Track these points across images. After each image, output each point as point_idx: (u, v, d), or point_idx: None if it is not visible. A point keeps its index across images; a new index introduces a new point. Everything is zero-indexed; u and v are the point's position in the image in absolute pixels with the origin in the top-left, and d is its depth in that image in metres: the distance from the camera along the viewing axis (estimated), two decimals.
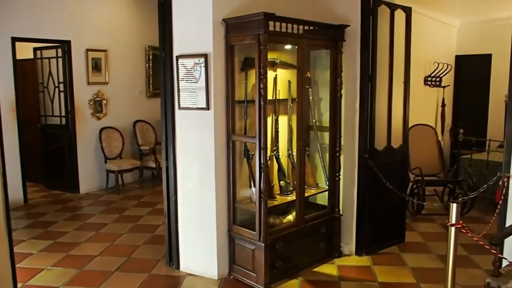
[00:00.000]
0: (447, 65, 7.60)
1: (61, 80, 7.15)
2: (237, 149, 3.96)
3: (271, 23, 3.59)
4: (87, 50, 7.16)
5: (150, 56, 8.19)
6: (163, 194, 4.30)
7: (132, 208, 6.40)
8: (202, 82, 3.83)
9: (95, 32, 7.28)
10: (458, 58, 8.42)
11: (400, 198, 4.70)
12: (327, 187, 4.42)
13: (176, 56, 3.97)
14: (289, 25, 3.78)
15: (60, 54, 7.06)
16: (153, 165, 7.58)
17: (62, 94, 7.19)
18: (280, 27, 3.72)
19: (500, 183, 3.46)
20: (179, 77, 3.98)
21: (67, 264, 4.41)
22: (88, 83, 7.24)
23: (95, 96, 7.35)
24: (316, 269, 4.26)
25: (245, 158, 4.00)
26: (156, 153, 7.41)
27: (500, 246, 3.43)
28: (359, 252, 4.58)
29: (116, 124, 7.62)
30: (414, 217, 5.86)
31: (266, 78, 3.55)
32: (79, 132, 7.18)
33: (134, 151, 7.99)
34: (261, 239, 3.72)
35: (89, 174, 7.32)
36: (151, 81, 8.28)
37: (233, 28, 3.76)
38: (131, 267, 4.37)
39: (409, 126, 5.27)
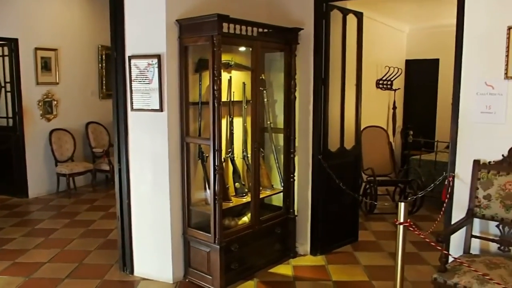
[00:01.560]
0: (398, 69, 7.85)
1: (8, 79, 6.84)
2: (191, 151, 3.93)
3: (225, 24, 3.59)
4: (36, 49, 6.89)
5: (103, 56, 7.99)
6: (115, 198, 4.20)
7: (84, 213, 6.21)
8: (155, 83, 3.78)
9: (44, 31, 7.02)
10: (408, 62, 8.71)
11: (353, 198, 4.81)
12: (282, 188, 4.47)
13: (129, 57, 3.89)
14: (243, 27, 3.80)
15: (6, 52, 6.76)
16: (106, 167, 7.38)
17: (9, 95, 6.89)
18: (234, 29, 3.73)
19: (446, 183, 3.61)
20: (132, 78, 3.90)
21: (13, 273, 4.22)
22: (37, 83, 6.97)
23: (45, 96, 7.09)
24: (271, 270, 4.28)
25: (200, 160, 3.97)
26: (110, 155, 7.22)
27: (446, 243, 3.57)
28: (314, 252, 4.65)
29: (67, 126, 7.38)
30: (367, 216, 6.01)
31: (220, 79, 3.54)
32: (27, 134, 6.90)
33: (86, 154, 7.77)
34: (216, 241, 3.71)
35: (38, 178, 7.04)
36: (104, 82, 8.07)
37: (187, 29, 3.73)
38: (82, 273, 4.24)
39: (362, 127, 5.41)
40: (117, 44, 3.96)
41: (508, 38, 3.24)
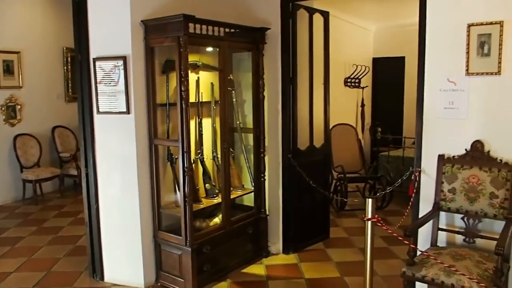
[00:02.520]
0: (365, 67, 7.98)
1: None
2: (160, 153, 3.89)
3: (191, 25, 3.56)
4: None
5: (68, 59, 7.80)
6: (83, 203, 4.11)
7: (52, 219, 6.06)
8: (121, 85, 3.72)
9: (5, 33, 6.80)
10: (375, 60, 8.86)
11: (324, 195, 4.86)
12: (252, 188, 4.47)
13: (93, 59, 3.82)
14: (210, 27, 3.78)
15: None
16: (74, 172, 7.22)
17: None
18: (201, 29, 3.70)
19: (412, 178, 3.68)
20: (97, 80, 3.83)
21: None
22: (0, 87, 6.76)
23: (8, 101, 6.87)
24: (244, 270, 4.28)
25: (169, 162, 3.93)
26: (78, 160, 7.06)
27: (414, 236, 3.65)
28: (286, 250, 4.67)
29: (32, 131, 7.18)
30: (338, 213, 6.08)
31: (187, 80, 3.51)
32: None
33: (53, 159, 7.57)
34: (188, 243, 3.67)
35: (3, 185, 6.82)
36: (70, 85, 7.89)
37: (153, 30, 3.69)
38: (51, 281, 4.13)
39: (331, 125, 5.48)
40: (81, 46, 3.88)
41: (468, 35, 3.32)
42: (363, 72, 7.89)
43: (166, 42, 3.62)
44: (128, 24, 3.64)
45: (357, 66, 7.73)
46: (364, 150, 7.40)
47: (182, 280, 3.78)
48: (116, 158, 3.86)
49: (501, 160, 3.24)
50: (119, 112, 3.76)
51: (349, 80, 7.77)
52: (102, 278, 4.08)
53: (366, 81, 8.30)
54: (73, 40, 3.95)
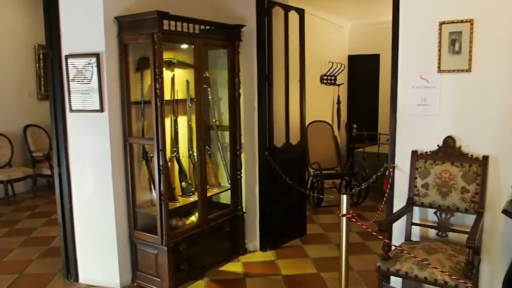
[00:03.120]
0: (341, 64, 8.04)
1: None
2: (135, 151, 3.83)
3: (165, 22, 3.52)
4: None
5: (41, 56, 7.62)
6: (56, 203, 4.03)
7: (25, 220, 5.92)
8: (94, 83, 3.65)
9: None
10: (351, 58, 8.94)
11: (300, 192, 4.88)
12: (229, 185, 4.46)
13: (66, 56, 3.74)
14: (185, 24, 3.74)
15: None
16: (48, 172, 7.06)
17: None
18: (175, 26, 3.66)
19: (386, 173, 3.74)
20: (70, 78, 3.75)
21: None
22: None
23: None
24: (221, 268, 4.27)
25: (144, 161, 3.89)
26: (51, 159, 6.91)
27: (389, 231, 3.71)
28: (263, 247, 4.68)
29: (3, 130, 6.99)
30: (315, 209, 6.13)
31: (162, 78, 3.48)
32: None
33: (25, 158, 7.40)
34: (164, 242, 3.64)
35: None
36: (42, 82, 7.73)
37: (127, 27, 3.63)
38: (24, 284, 4.03)
39: (307, 123, 5.51)
40: (53, 43, 3.79)
41: (440, 33, 3.39)
42: (339, 70, 7.95)
43: (140, 39, 3.57)
44: (101, 20, 3.57)
45: (332, 63, 7.78)
46: (340, 147, 7.46)
47: (159, 280, 3.75)
48: (90, 157, 3.79)
49: (472, 156, 3.32)
50: (92, 110, 3.70)
51: (325, 77, 7.82)
52: (76, 279, 4.01)
53: (342, 78, 8.37)
54: (44, 37, 3.86)
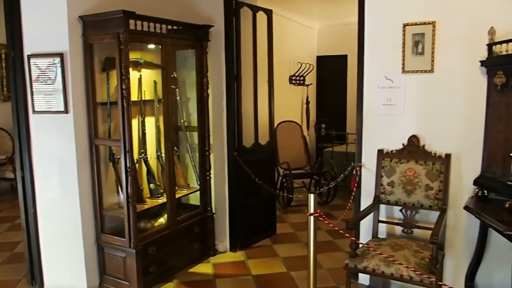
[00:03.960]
0: (310, 65, 8.12)
1: None
2: (101, 153, 3.76)
3: (131, 21, 3.47)
4: None
5: (2, 55, 7.39)
6: (20, 207, 3.91)
7: None
8: (59, 84, 3.56)
9: None
10: (319, 58, 9.03)
11: (270, 192, 4.90)
12: (198, 186, 4.44)
13: (28, 56, 3.63)
14: (151, 24, 3.69)
15: None
16: (11, 175, 6.85)
17: None
18: (142, 26, 3.61)
19: (354, 172, 3.80)
20: (32, 79, 3.65)
21: None
22: None
23: None
24: (191, 270, 4.25)
25: (111, 163, 3.82)
26: (14, 162, 6.71)
27: (356, 229, 3.77)
28: (233, 248, 4.68)
29: None
30: (285, 209, 6.17)
31: (128, 78, 3.42)
32: None
33: None
34: (132, 245, 3.59)
35: None
36: (4, 83, 7.48)
37: (92, 26, 3.56)
38: None
39: (276, 123, 5.53)
40: (14, 42, 3.67)
41: (404, 34, 3.48)
42: (307, 70, 8.02)
43: (105, 38, 3.51)
44: (65, 19, 3.48)
45: (301, 64, 7.85)
46: (309, 147, 7.54)
47: (127, 283, 3.69)
48: (54, 160, 3.70)
49: (435, 154, 3.42)
50: (56, 111, 3.60)
51: (294, 77, 7.88)
52: (41, 285, 3.91)
53: (311, 78, 8.45)
54: (5, 36, 3.74)
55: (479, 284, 3.40)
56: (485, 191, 3.15)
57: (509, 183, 2.84)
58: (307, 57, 8.29)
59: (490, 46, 3.10)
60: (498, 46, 3.01)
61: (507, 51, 2.89)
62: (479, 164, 3.26)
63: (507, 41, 2.88)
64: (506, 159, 2.87)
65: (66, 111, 3.57)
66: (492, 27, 3.08)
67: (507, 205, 2.81)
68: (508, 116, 2.87)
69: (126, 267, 3.67)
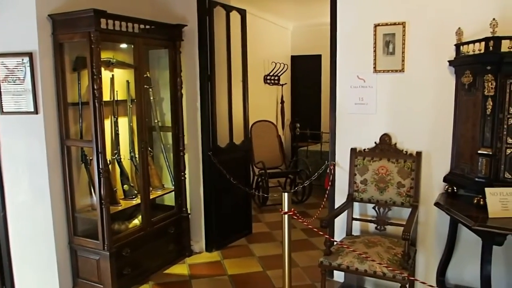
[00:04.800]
0: (284, 64, 8.16)
1: None
2: (73, 155, 3.69)
3: (103, 20, 3.42)
4: None
5: None
6: None
7: None
8: (28, 84, 3.48)
9: None
10: (293, 58, 9.08)
11: (245, 192, 4.91)
12: (173, 187, 4.41)
13: None
14: (123, 23, 3.66)
15: None
16: None
17: None
18: (113, 25, 3.57)
19: (328, 171, 3.84)
20: (0, 79, 3.55)
21: None
22: None
23: None
24: (167, 271, 4.22)
25: (83, 164, 3.76)
26: None
27: (330, 227, 3.82)
28: (209, 248, 4.67)
29: None
30: (261, 208, 6.19)
31: (100, 78, 3.38)
32: None
33: None
34: (106, 247, 3.54)
35: None
36: None
37: (62, 25, 3.49)
38: None
39: (251, 122, 5.54)
40: None
41: (375, 34, 3.53)
42: (282, 70, 8.06)
43: (76, 38, 3.44)
44: (33, 18, 3.40)
45: (276, 63, 7.88)
46: (284, 146, 7.58)
47: (101, 286, 3.64)
48: (24, 162, 3.61)
49: (406, 152, 3.49)
50: (26, 112, 3.52)
51: (268, 77, 7.90)
52: None
53: (285, 78, 8.50)
54: None
55: (450, 278, 3.49)
56: (455, 188, 3.23)
57: (476, 179, 2.92)
58: (281, 56, 8.33)
59: (457, 46, 3.18)
60: (465, 46, 3.08)
61: (473, 51, 2.97)
62: (448, 161, 3.34)
63: (473, 42, 2.96)
64: (474, 157, 2.95)
65: (36, 111, 3.49)
66: (459, 28, 3.16)
67: (475, 201, 2.90)
68: (475, 115, 2.95)
69: (100, 270, 3.62)
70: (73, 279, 3.79)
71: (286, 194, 2.65)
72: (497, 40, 2.75)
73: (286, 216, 2.66)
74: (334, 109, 3.80)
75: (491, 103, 2.81)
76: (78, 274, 3.77)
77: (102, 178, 3.45)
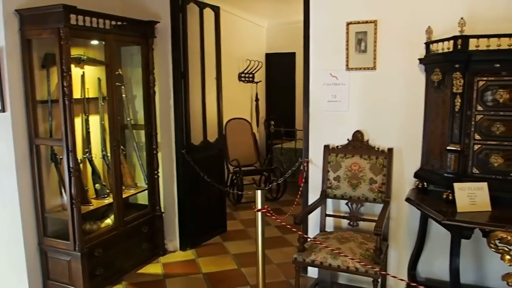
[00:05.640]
0: (259, 62, 8.16)
1: None
2: (42, 154, 3.60)
3: (72, 16, 3.35)
4: None
5: None
6: None
7: None
8: None
9: None
10: (268, 55, 9.09)
11: (219, 190, 4.89)
12: (146, 186, 4.36)
13: None
14: (94, 19, 3.58)
15: None
16: None
17: None
18: (84, 21, 3.50)
19: (301, 168, 3.87)
20: None
21: None
22: None
23: None
24: (140, 271, 4.17)
25: (53, 163, 3.67)
26: None
27: (304, 223, 3.85)
28: (183, 247, 4.64)
29: None
30: (236, 206, 6.18)
31: (70, 75, 3.31)
32: None
33: None
34: (77, 248, 3.48)
35: None
36: None
37: (30, 21, 3.39)
38: None
39: (226, 120, 5.52)
40: None
41: (347, 33, 3.57)
42: (256, 67, 8.06)
43: (45, 34, 3.36)
44: None
45: (250, 61, 7.88)
46: (259, 143, 7.59)
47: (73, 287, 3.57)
48: None
49: (378, 148, 3.53)
50: None
51: (243, 75, 7.89)
52: None
53: (260, 76, 8.50)
54: None
55: (421, 272, 3.56)
56: (425, 183, 3.30)
57: (445, 175, 2.98)
58: (256, 54, 8.33)
59: (427, 44, 3.24)
60: (435, 44, 3.15)
61: (442, 50, 3.03)
62: (419, 157, 3.41)
63: (442, 40, 3.02)
64: (443, 153, 3.02)
65: (3, 109, 3.39)
66: (429, 27, 3.22)
67: (444, 196, 2.96)
68: (444, 112, 3.01)
69: (71, 271, 3.55)
70: (43, 281, 3.71)
71: (259, 191, 2.65)
72: (465, 38, 2.81)
73: (259, 213, 2.66)
74: (308, 106, 3.82)
75: (460, 100, 2.87)
76: (48, 276, 3.68)
77: (72, 178, 3.38)
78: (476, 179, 2.88)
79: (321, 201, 3.61)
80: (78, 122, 3.73)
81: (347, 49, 3.59)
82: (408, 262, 3.53)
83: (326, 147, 3.68)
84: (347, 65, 3.60)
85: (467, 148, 2.93)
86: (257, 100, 8.35)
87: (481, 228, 2.62)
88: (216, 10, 4.90)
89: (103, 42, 3.76)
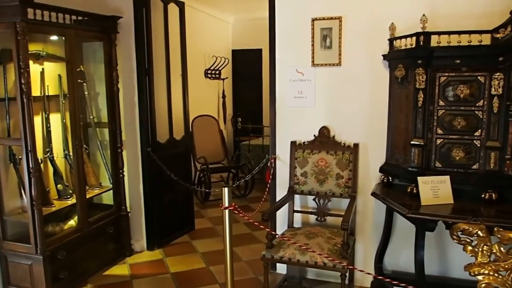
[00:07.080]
0: (225, 58, 8.10)
1: None
2: (0, 154, 3.47)
3: (30, 10, 3.22)
4: None
5: None
6: None
7: None
8: None
9: None
10: (234, 52, 9.03)
11: (187, 188, 4.83)
12: (111, 185, 4.25)
13: None
14: (53, 14, 3.46)
15: None
16: None
17: None
18: (42, 15, 3.37)
19: (268, 164, 3.86)
20: None
21: None
22: None
23: None
24: (106, 272, 4.08)
25: (12, 164, 3.53)
26: None
27: (272, 220, 3.85)
28: (150, 247, 4.56)
29: None
30: (203, 204, 6.13)
31: (28, 72, 3.18)
32: None
33: None
34: (39, 251, 3.36)
35: None
36: None
37: None
38: None
39: (192, 117, 5.45)
40: None
41: (313, 29, 3.58)
42: (223, 64, 8.01)
43: (0, 28, 3.21)
44: None
45: (216, 57, 7.81)
46: (227, 141, 7.54)
47: None
48: None
49: (344, 144, 3.57)
50: None
51: (209, 71, 7.82)
52: None
53: (226, 72, 8.45)
54: None
55: (387, 265, 3.63)
56: (390, 178, 3.35)
57: (409, 169, 3.04)
58: (222, 50, 8.27)
59: (391, 41, 3.29)
60: (398, 41, 3.20)
61: (405, 46, 3.08)
62: (384, 152, 3.46)
63: (405, 36, 3.07)
64: (407, 147, 3.07)
65: None
66: (392, 23, 3.26)
67: (408, 190, 3.02)
68: (408, 107, 3.07)
69: (33, 275, 3.43)
70: (3, 287, 3.57)
71: (226, 189, 2.62)
72: (427, 35, 2.87)
73: (226, 211, 2.63)
74: (274, 102, 3.81)
75: (422, 96, 2.93)
76: (9, 281, 3.55)
77: (33, 178, 3.26)
78: (439, 172, 2.95)
79: (288, 197, 3.62)
80: (38, 120, 3.60)
81: (312, 45, 3.60)
82: (374, 256, 3.58)
83: (293, 143, 3.69)
84: (312, 61, 3.62)
85: (430, 143, 2.99)
86: (224, 97, 8.29)
87: (444, 221, 2.69)
88: (180, 5, 4.82)
89: (63, 38, 3.63)
